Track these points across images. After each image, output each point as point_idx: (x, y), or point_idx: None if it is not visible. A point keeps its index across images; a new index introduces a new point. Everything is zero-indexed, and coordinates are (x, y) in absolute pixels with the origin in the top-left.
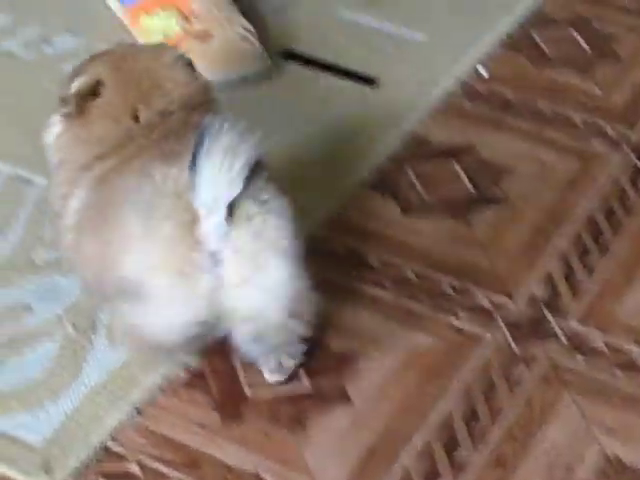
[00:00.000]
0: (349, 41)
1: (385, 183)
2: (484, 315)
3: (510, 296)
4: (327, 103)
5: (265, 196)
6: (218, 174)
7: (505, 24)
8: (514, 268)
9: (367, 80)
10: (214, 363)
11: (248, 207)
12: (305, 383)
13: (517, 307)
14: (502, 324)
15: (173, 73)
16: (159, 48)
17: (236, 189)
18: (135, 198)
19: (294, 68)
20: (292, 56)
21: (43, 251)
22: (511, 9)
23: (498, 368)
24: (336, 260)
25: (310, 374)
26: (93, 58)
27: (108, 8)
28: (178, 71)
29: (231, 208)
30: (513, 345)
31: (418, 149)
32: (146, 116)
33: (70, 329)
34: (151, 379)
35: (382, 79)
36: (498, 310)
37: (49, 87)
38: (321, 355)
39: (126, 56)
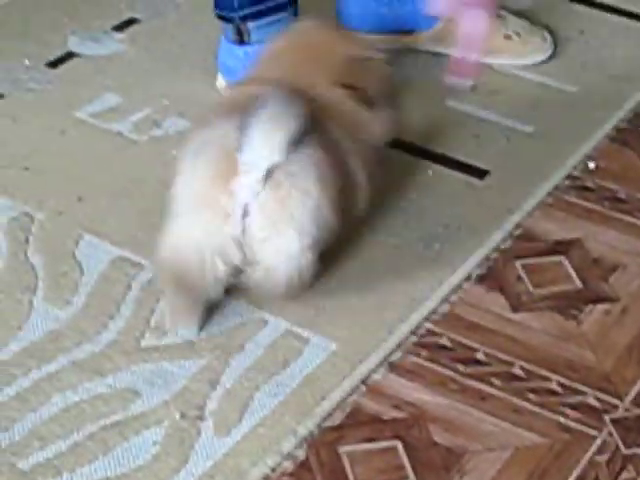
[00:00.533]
0: (457, 131)
1: (493, 277)
2: (592, 414)
3: (618, 396)
4: (435, 194)
5: (295, 168)
6: (264, 140)
7: (614, 119)
8: (623, 367)
9: (477, 172)
10: (320, 454)
11: (279, 176)
12: (412, 477)
13: (625, 407)
14: (610, 424)
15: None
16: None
17: (277, 157)
18: (196, 139)
19: (404, 157)
20: (402, 146)
21: (151, 336)
22: (620, 104)
23: (606, 469)
24: (443, 354)
25: (417, 469)
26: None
27: (217, 90)
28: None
29: (268, 173)
30: (621, 446)
31: (526, 243)
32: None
33: (177, 416)
34: (258, 470)
35: (491, 170)
36: (606, 410)
37: (159, 170)
38: (428, 449)
39: None
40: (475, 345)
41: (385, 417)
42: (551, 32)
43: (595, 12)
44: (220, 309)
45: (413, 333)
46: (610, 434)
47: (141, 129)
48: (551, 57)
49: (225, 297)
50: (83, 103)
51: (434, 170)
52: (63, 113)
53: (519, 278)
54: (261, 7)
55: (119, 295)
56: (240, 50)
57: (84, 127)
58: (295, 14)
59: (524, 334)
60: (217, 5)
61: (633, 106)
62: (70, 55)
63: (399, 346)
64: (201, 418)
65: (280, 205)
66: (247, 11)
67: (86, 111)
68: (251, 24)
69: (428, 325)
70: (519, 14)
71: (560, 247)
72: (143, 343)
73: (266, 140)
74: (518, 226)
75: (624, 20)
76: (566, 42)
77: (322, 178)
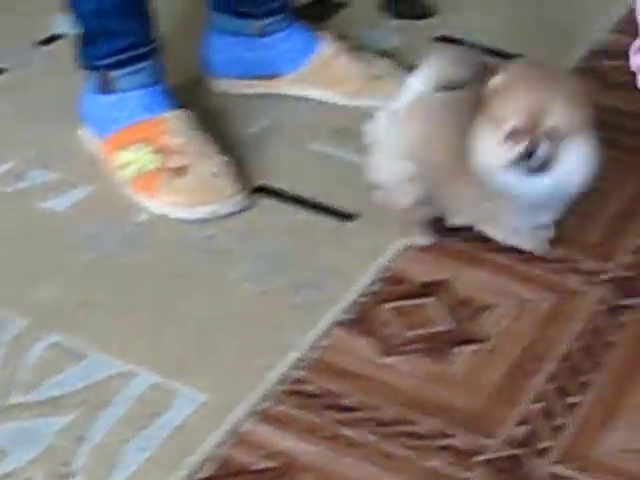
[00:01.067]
0: (323, 175)
1: (363, 321)
2: (463, 457)
3: (489, 436)
4: (303, 239)
5: None
6: None
7: None
8: (492, 407)
9: (344, 215)
10: None
11: None
12: None
13: (496, 448)
14: (481, 466)
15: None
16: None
17: None
18: None
19: (270, 203)
20: (267, 191)
21: (16, 393)
22: None
23: None
24: (313, 402)
25: None
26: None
27: (82, 143)
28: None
29: None
30: None
31: (395, 286)
32: None
33: (45, 475)
34: None
35: (357, 213)
36: (477, 451)
37: (26, 224)
38: None
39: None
40: (345, 391)
41: (256, 467)
42: None
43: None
44: (85, 364)
45: (282, 381)
46: (482, 476)
47: (5, 182)
48: None
49: (92, 351)
50: None
51: (302, 215)
52: None
53: (388, 321)
54: (124, 56)
55: None
56: (104, 99)
57: None
58: (159, 62)
59: (394, 378)
60: (80, 55)
61: None
62: None
63: (268, 395)
64: (69, 475)
65: None
66: (110, 60)
67: None
68: (114, 73)
69: (297, 372)
70: (384, 55)
71: (428, 289)
72: (9, 401)
73: None
74: (386, 269)
75: (492, 59)
76: None
77: None
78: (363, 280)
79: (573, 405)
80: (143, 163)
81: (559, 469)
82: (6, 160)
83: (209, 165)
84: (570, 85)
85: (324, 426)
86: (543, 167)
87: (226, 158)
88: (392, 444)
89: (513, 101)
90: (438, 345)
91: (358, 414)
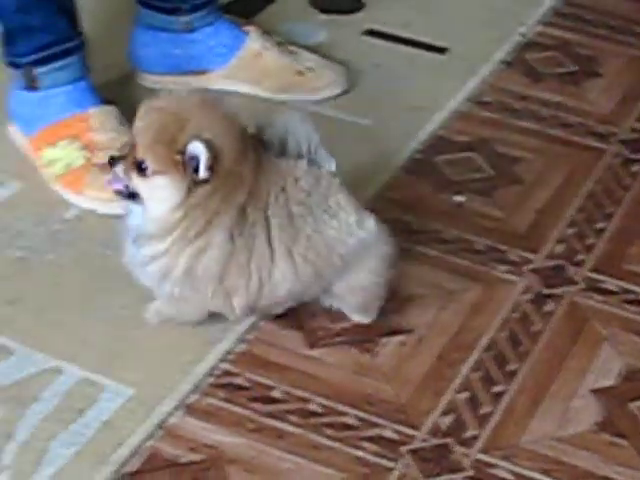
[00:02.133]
0: None
1: (289, 314)
2: (390, 447)
3: (416, 427)
4: None
5: None
6: None
7: (408, 150)
8: (418, 398)
9: None
10: None
11: None
12: None
13: (422, 437)
14: (408, 456)
15: None
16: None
17: None
18: None
19: None
20: None
21: None
22: (414, 135)
23: None
24: (240, 394)
25: None
26: None
27: (10, 140)
28: None
29: None
30: (420, 477)
31: None
32: None
33: None
34: None
35: None
36: (403, 441)
37: None
38: None
39: None
40: (271, 383)
41: (183, 460)
42: (346, 66)
43: (390, 45)
44: (14, 360)
45: (209, 374)
46: (408, 465)
47: None
48: (346, 91)
49: (19, 347)
50: None
51: None
52: None
53: (315, 314)
54: (48, 52)
55: None
56: (30, 96)
57: None
58: (83, 58)
59: (321, 370)
60: (4, 52)
61: (426, 137)
62: None
63: (195, 388)
64: None
65: None
66: (34, 57)
67: None
68: (39, 69)
69: (224, 365)
70: (312, 49)
71: None
72: None
73: None
74: None
75: (418, 51)
76: (361, 75)
77: None
78: None
79: (499, 394)
80: (70, 159)
81: (485, 457)
82: None
83: None
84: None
85: (252, 418)
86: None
87: None
88: (319, 435)
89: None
90: (364, 337)
91: (285, 406)
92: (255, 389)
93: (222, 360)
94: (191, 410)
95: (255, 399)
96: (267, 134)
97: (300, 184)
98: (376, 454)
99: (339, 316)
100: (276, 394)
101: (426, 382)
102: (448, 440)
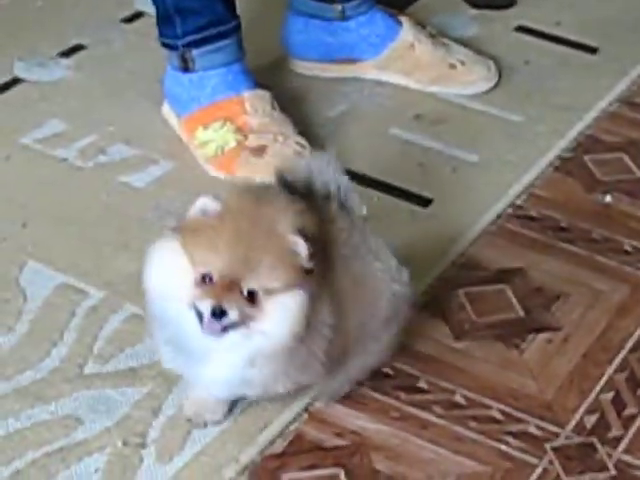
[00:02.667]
0: (402, 159)
1: (436, 305)
2: (534, 443)
3: (560, 425)
4: (380, 222)
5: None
6: None
7: (557, 148)
8: (564, 396)
9: (421, 200)
10: None
11: None
12: None
13: (566, 435)
14: (551, 452)
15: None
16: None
17: None
18: None
19: None
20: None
21: (94, 363)
22: (563, 133)
23: None
24: (386, 382)
25: None
26: None
27: (164, 120)
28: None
29: None
30: (562, 475)
31: (469, 271)
32: None
33: (120, 443)
34: None
35: (435, 198)
36: (547, 438)
37: (104, 196)
38: (369, 477)
39: None
40: (417, 373)
41: (327, 445)
42: (496, 62)
43: (540, 42)
44: None
45: None
46: (551, 462)
47: (87, 155)
48: (495, 86)
49: None
50: (28, 129)
51: (379, 198)
52: (8, 138)
53: (462, 306)
54: (204, 35)
55: (62, 322)
56: (185, 77)
57: (29, 153)
58: (239, 41)
59: (466, 362)
60: (161, 33)
61: (576, 135)
62: (16, 81)
63: None
64: (143, 446)
65: None
66: (190, 39)
67: (31, 137)
68: (195, 51)
69: None
70: (464, 43)
71: (503, 276)
72: (86, 370)
73: None
74: (461, 254)
75: (568, 50)
76: (510, 72)
77: None
78: (438, 264)
79: None
80: (223, 142)
81: (628, 458)
82: (87, 134)
83: (287, 146)
84: (286, 230)
85: (396, 407)
86: (222, 331)
87: (304, 140)
88: (463, 427)
89: (216, 243)
90: (511, 332)
91: (430, 396)
92: (400, 378)
93: None
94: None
95: (400, 388)
96: (290, 176)
97: (338, 225)
98: (520, 449)
99: (485, 310)
100: (421, 384)
101: (571, 380)
102: (592, 439)
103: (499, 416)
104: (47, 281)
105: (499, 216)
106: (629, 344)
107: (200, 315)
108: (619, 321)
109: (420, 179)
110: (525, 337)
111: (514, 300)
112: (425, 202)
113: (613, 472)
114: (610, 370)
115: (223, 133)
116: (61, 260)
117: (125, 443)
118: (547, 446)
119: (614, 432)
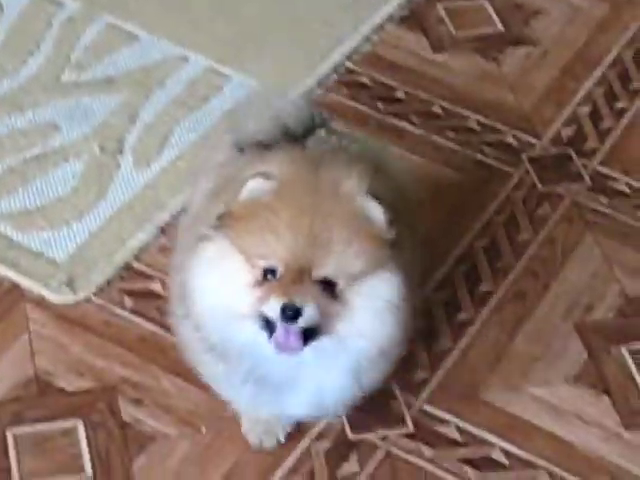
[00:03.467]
0: None
1: (415, 18)
2: (510, 152)
3: (536, 135)
4: None
5: None
6: None
7: None
8: (541, 108)
9: None
10: None
11: None
12: None
13: (543, 146)
14: (527, 162)
15: None
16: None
17: None
18: None
19: None
20: None
21: (70, 72)
22: None
23: (522, 205)
24: (364, 93)
25: None
26: None
27: None
28: None
29: None
30: (538, 183)
31: None
32: None
33: (97, 149)
34: (175, 201)
35: None
36: (524, 148)
37: None
38: None
39: None
40: (395, 84)
41: None
42: None
43: None
44: (139, 45)
45: (334, 71)
46: (527, 172)
47: None
48: None
49: (145, 34)
50: None
51: None
52: None
53: (441, 20)
54: None
55: (39, 32)
56: None
57: None
58: None
59: (444, 74)
60: None
61: None
62: None
63: (320, 84)
64: (120, 152)
65: None
66: None
67: None
68: None
69: (349, 64)
70: None
71: None
72: (63, 79)
73: None
74: None
75: None
76: None
77: None
78: None
79: (621, 110)
80: None
81: (604, 170)
82: None
83: None
84: (354, 192)
85: (374, 116)
86: (300, 343)
87: None
88: (441, 137)
89: (274, 226)
90: (489, 45)
91: (408, 107)
92: (378, 89)
93: (347, 58)
94: (315, 105)
95: (378, 98)
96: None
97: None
98: (496, 159)
99: (464, 23)
100: (399, 95)
101: (549, 93)
102: (569, 150)
103: (476, 127)
104: None
105: None
106: (608, 59)
107: (269, 327)
108: (599, 37)
109: None
110: (504, 50)
111: (493, 15)
112: None
113: (589, 182)
114: (588, 84)
115: None
116: None
117: (102, 149)
118: (523, 156)
119: (590, 144)
